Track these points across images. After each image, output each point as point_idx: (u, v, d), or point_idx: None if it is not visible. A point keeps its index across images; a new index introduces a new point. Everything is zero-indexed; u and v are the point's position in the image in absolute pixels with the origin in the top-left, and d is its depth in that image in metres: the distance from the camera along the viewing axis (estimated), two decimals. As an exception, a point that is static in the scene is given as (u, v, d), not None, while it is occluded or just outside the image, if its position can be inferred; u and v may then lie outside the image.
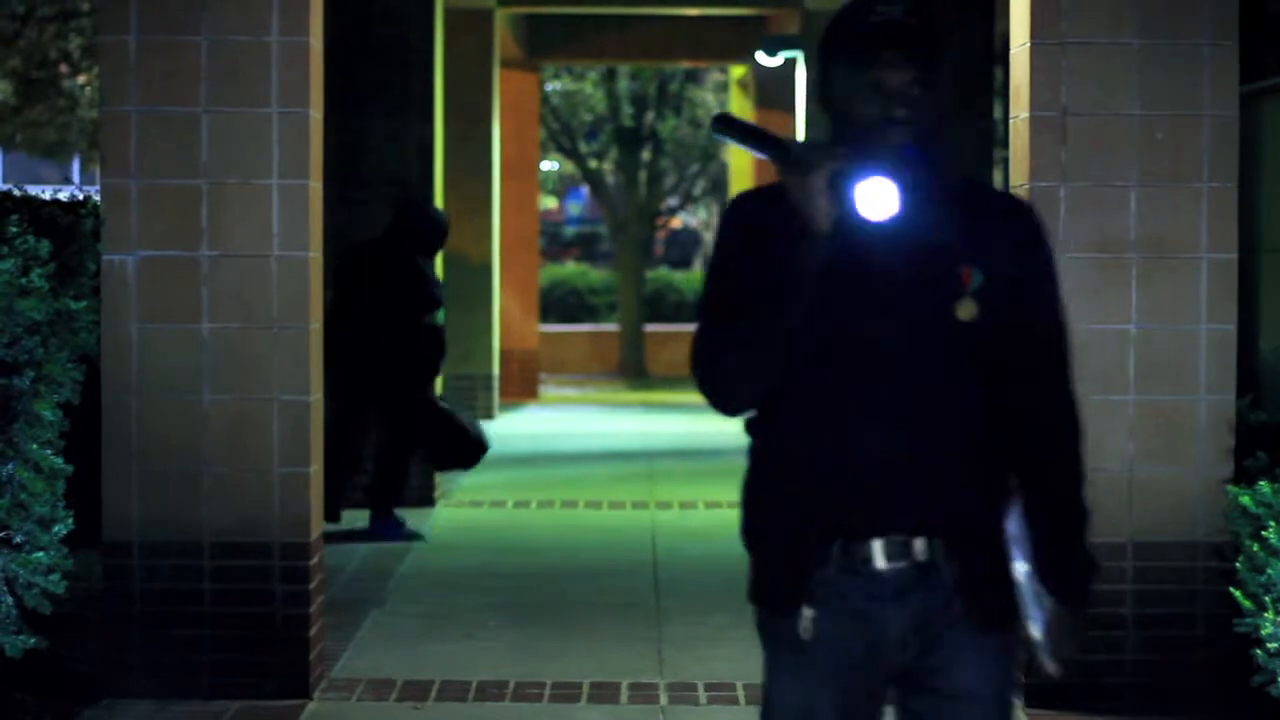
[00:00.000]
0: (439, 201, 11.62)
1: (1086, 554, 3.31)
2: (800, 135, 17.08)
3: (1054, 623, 3.26)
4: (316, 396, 6.59)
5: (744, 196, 3.38)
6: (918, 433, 3.20)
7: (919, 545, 3.22)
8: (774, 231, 3.19)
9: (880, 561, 3.22)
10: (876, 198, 3.11)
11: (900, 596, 3.23)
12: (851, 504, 3.22)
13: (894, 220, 3.14)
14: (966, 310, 3.20)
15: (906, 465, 3.20)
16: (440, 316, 10.50)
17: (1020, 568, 3.26)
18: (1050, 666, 3.28)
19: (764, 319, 3.16)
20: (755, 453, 3.38)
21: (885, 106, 3.21)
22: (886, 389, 3.19)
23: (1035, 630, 3.26)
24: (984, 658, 3.26)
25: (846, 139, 3.22)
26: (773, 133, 3.23)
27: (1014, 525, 3.27)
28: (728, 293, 3.23)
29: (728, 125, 3.23)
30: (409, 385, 10.34)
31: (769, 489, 3.34)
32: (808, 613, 3.23)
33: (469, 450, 10.55)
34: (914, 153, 3.22)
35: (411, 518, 10.80)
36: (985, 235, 3.24)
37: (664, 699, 6.63)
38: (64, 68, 18.97)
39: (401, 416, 10.42)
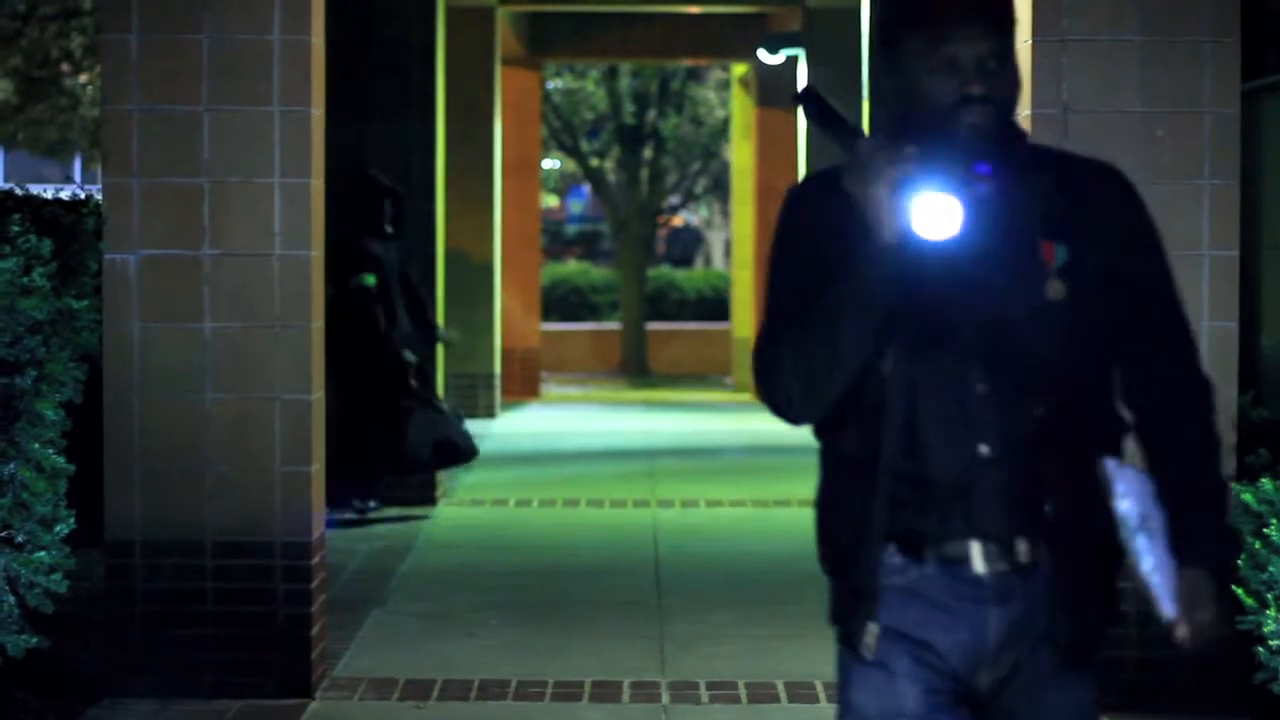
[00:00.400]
0: (440, 200, 11.62)
1: (1227, 524, 3.09)
2: (864, 127, 17.06)
3: (1189, 591, 2.99)
4: (318, 395, 6.59)
5: (806, 183, 3.14)
6: (1011, 424, 2.98)
7: (1021, 547, 3.01)
8: (840, 223, 2.97)
9: (979, 565, 3.01)
10: (937, 216, 2.89)
11: (1003, 601, 3.02)
12: (945, 505, 2.99)
13: (975, 211, 2.93)
14: (1055, 289, 2.99)
15: (1001, 461, 2.98)
16: (369, 279, 10.56)
17: (1141, 543, 2.99)
18: (1185, 635, 3.02)
19: (842, 320, 2.92)
20: (830, 457, 3.12)
21: (963, 83, 2.97)
22: (975, 379, 2.99)
23: (1167, 608, 3.00)
24: (1065, 697, 3.10)
25: (915, 129, 2.98)
26: (851, 122, 2.98)
27: (1131, 504, 3.00)
28: (796, 293, 3.00)
29: (809, 102, 2.99)
30: (351, 351, 10.35)
31: (846, 492, 3.06)
32: (873, 628, 3.03)
33: (450, 454, 10.69)
34: (995, 131, 2.99)
35: (412, 516, 10.82)
36: (1071, 206, 3.02)
37: (666, 697, 6.62)
38: (65, 66, 18.97)
39: (353, 386, 10.47)
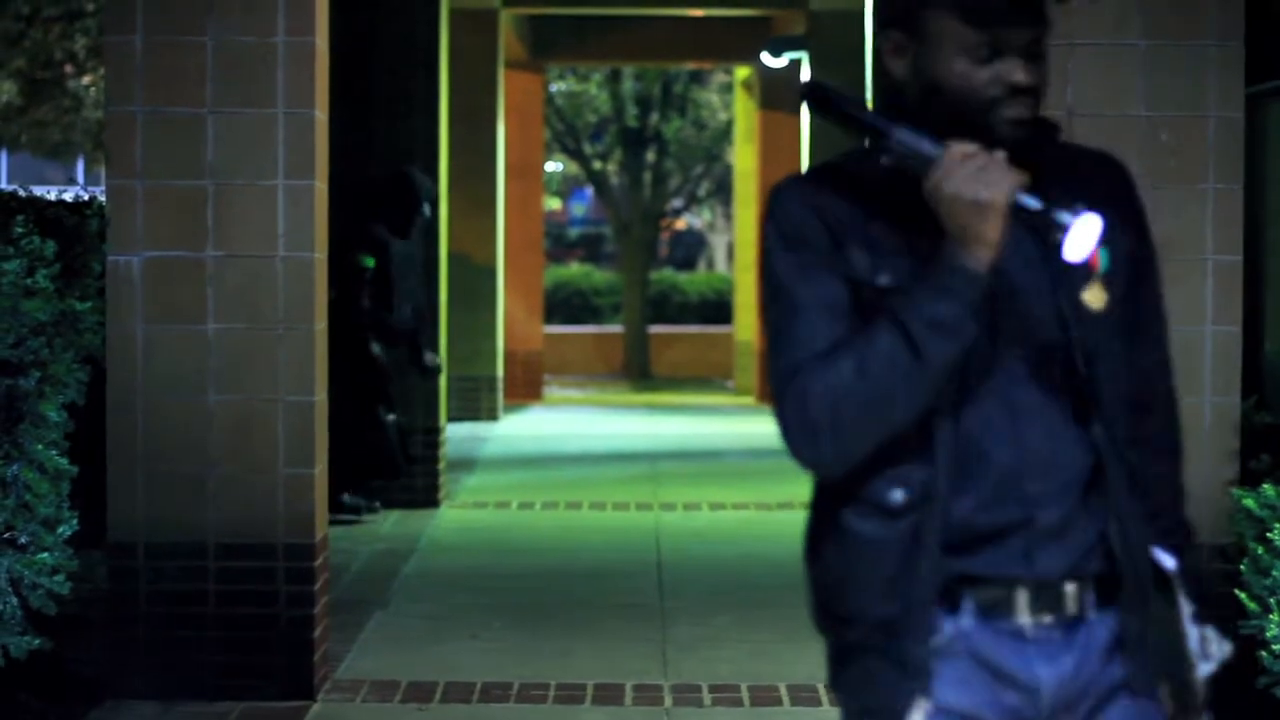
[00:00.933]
0: (443, 203, 11.62)
1: (1188, 520, 2.88)
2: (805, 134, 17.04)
3: (1201, 642, 2.72)
4: (321, 397, 6.59)
5: (807, 178, 2.65)
6: (1065, 455, 2.60)
7: (1070, 591, 2.62)
8: (864, 231, 2.57)
9: (1024, 615, 2.61)
10: (1083, 234, 2.47)
11: (1052, 658, 2.62)
12: (982, 548, 2.58)
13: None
14: (1096, 297, 2.60)
15: (1055, 496, 2.59)
16: (368, 261, 10.59)
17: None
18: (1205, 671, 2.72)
19: (916, 355, 2.48)
20: (849, 507, 2.64)
21: (1009, 72, 2.55)
22: (1026, 407, 2.59)
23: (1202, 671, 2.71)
24: None
25: (937, 123, 2.55)
26: (881, 119, 2.57)
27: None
28: (825, 310, 2.55)
29: (820, 100, 2.58)
30: (344, 329, 10.36)
31: (878, 548, 2.59)
32: (924, 704, 2.58)
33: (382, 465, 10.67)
34: (1039, 127, 2.61)
35: (415, 518, 10.82)
36: (1101, 206, 2.56)
37: (668, 700, 6.62)
38: (69, 68, 18.97)
39: (353, 370, 10.51)
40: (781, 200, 2.60)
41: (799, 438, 2.56)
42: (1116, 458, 2.63)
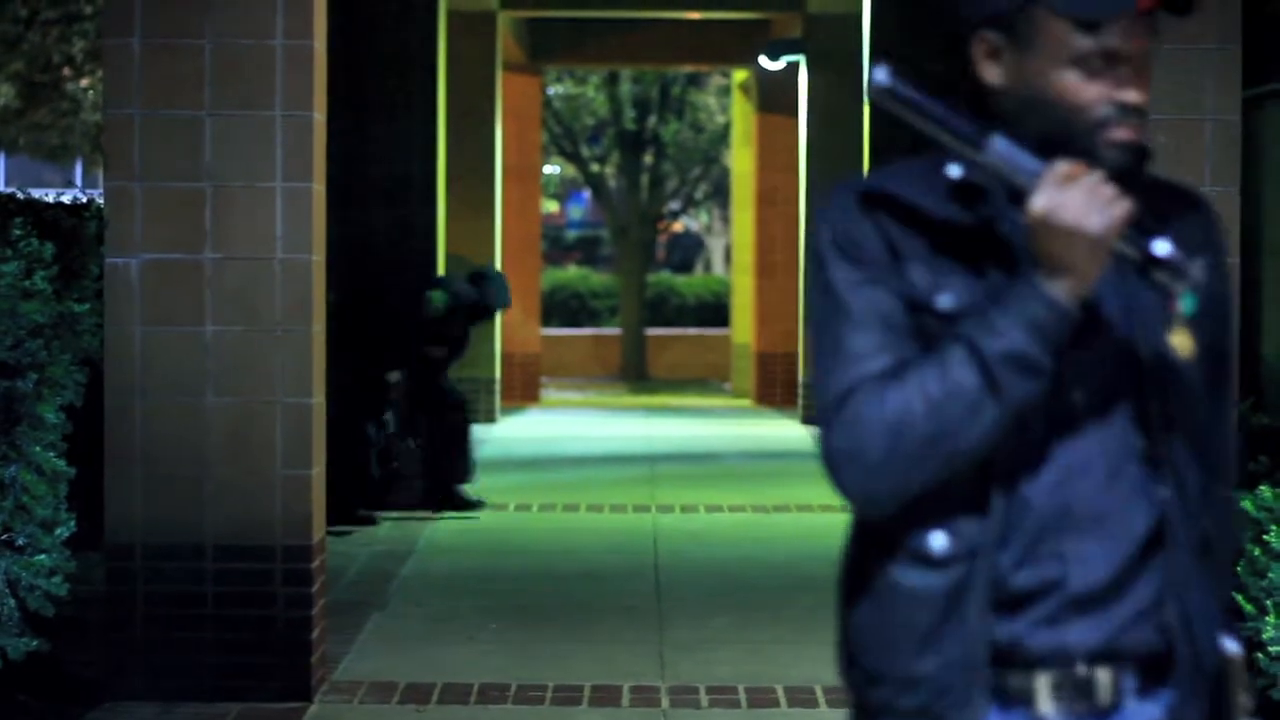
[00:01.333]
0: (441, 205, 11.64)
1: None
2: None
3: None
4: (319, 399, 6.59)
5: (873, 181, 2.34)
6: (1105, 511, 2.27)
7: (1103, 679, 2.28)
8: (924, 243, 2.28)
9: (1045, 704, 2.28)
10: (1189, 278, 2.20)
11: None
12: (1015, 612, 2.27)
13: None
14: (1184, 344, 2.24)
15: (1083, 556, 2.26)
16: (438, 299, 10.99)
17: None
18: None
19: (990, 387, 2.20)
20: (894, 554, 2.30)
21: (1120, 85, 2.24)
22: (1069, 452, 2.27)
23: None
24: None
25: (1034, 141, 2.23)
26: (974, 125, 2.24)
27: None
28: (887, 329, 2.26)
29: (902, 99, 2.22)
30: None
31: (925, 605, 2.27)
32: None
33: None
34: (1140, 154, 2.27)
35: (412, 521, 10.83)
36: (1192, 245, 2.27)
37: (665, 702, 6.63)
38: (67, 71, 18.97)
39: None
40: (838, 204, 2.31)
41: (848, 469, 2.23)
42: (1185, 519, 2.29)
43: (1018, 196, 2.22)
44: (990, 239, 2.27)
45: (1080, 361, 2.26)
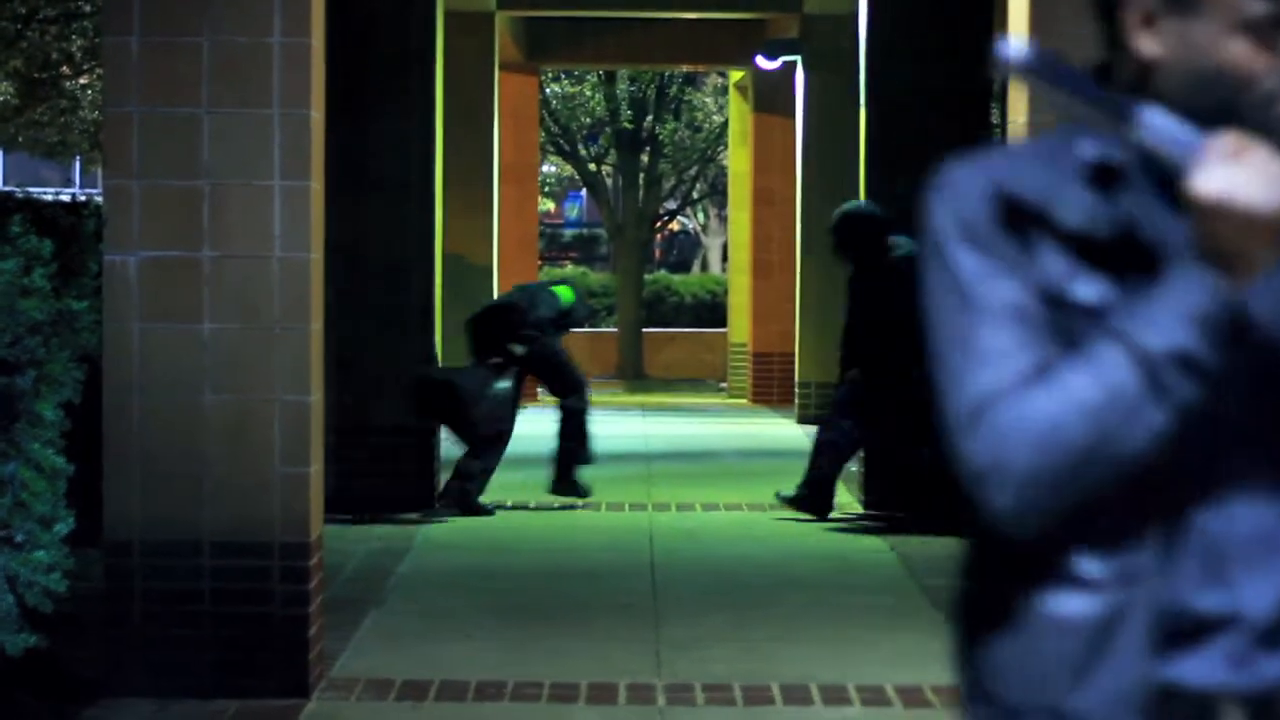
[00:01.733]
0: (438, 205, 11.65)
1: None
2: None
3: None
4: (317, 397, 6.61)
5: (1001, 159, 2.08)
6: (1273, 536, 2.01)
7: (1234, 716, 2.01)
8: (1053, 232, 2.00)
9: None
10: None
11: None
12: (1183, 646, 2.01)
13: None
14: None
15: (1255, 586, 2.01)
16: (518, 350, 11.63)
17: None
18: None
19: (1150, 390, 1.93)
20: (1042, 578, 2.05)
21: None
22: (1229, 468, 2.01)
23: None
24: None
25: (1193, 117, 1.95)
26: (1124, 97, 1.97)
27: None
28: (1029, 325, 1.99)
29: (1047, 69, 1.95)
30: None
31: (1053, 613, 2.03)
32: None
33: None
34: None
35: (411, 520, 10.84)
36: None
37: (661, 700, 6.64)
38: (66, 69, 18.99)
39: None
40: (960, 184, 2.03)
41: (993, 484, 1.96)
42: None
43: (1165, 180, 1.96)
44: (1137, 224, 2.01)
45: (1247, 359, 1.99)
